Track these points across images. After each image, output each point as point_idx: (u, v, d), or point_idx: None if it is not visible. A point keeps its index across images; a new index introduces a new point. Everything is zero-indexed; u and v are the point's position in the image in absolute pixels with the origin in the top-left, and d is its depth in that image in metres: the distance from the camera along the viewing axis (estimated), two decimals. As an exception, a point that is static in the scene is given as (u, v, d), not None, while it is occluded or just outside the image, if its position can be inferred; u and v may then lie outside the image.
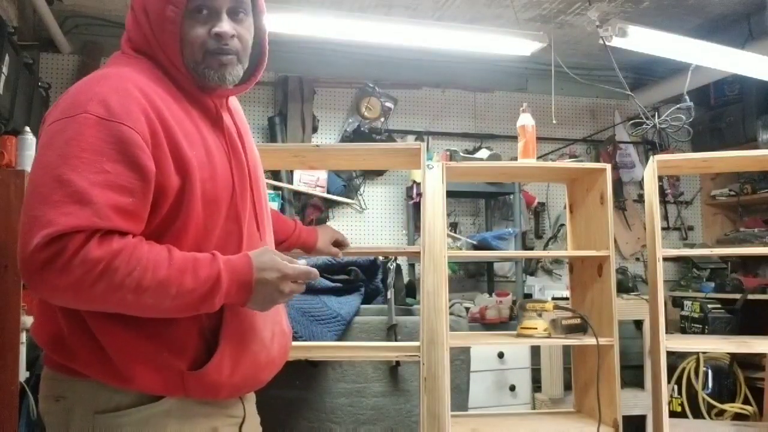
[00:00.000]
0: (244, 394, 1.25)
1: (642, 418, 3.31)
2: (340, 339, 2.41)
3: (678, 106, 3.02)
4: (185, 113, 1.15)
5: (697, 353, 3.48)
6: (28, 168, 2.61)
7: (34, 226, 0.96)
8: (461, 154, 3.53)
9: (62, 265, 0.95)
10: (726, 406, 3.43)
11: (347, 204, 4.20)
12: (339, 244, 1.91)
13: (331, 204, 4.16)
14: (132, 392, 1.10)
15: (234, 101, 1.33)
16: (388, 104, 4.25)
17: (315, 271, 1.14)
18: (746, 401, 3.45)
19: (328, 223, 4.17)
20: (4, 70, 2.72)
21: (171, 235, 1.09)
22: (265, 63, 1.31)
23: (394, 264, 2.83)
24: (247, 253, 1.12)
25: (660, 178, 4.46)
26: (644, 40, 2.99)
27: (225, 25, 1.16)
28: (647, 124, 3.04)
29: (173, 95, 1.15)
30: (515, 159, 2.43)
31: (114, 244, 0.99)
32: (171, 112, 1.11)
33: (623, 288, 4.09)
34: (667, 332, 2.28)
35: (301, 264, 1.15)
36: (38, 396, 1.18)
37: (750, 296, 3.73)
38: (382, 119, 4.22)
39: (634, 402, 3.30)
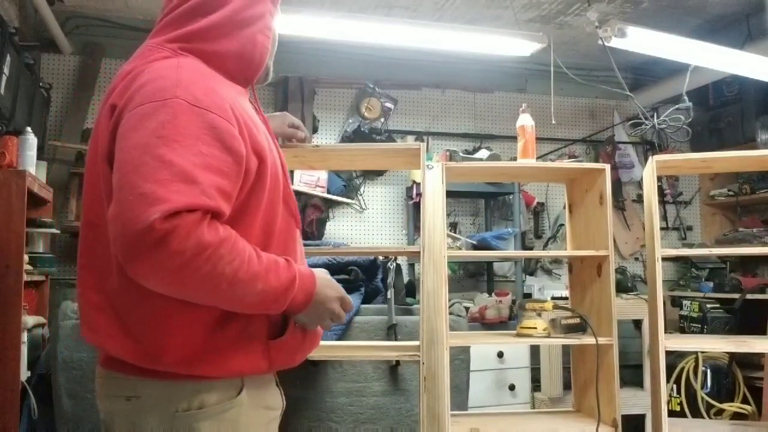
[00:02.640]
0: (305, 358, 1.30)
1: (641, 418, 3.32)
2: (340, 338, 2.42)
3: (677, 106, 3.04)
4: (244, 101, 1.22)
5: (696, 353, 3.49)
6: (30, 168, 2.62)
7: (144, 203, 0.95)
8: (461, 154, 3.53)
9: (177, 245, 0.95)
10: (725, 406, 3.44)
11: (347, 204, 4.21)
12: (295, 127, 1.91)
13: (331, 204, 4.17)
14: (213, 386, 1.11)
15: None
16: (388, 104, 4.26)
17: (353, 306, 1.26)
18: (745, 400, 3.46)
19: (328, 223, 4.19)
20: (6, 70, 2.72)
21: (249, 212, 1.13)
22: None
23: (394, 264, 2.83)
24: (312, 270, 1.19)
25: (659, 178, 4.47)
26: (643, 41, 2.99)
27: None
28: (646, 125, 3.05)
29: (231, 85, 1.21)
30: (515, 159, 2.44)
31: (221, 231, 1.01)
32: (236, 101, 1.16)
33: (622, 288, 4.10)
34: (666, 332, 2.29)
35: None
36: (98, 395, 1.19)
37: (749, 296, 3.74)
38: (382, 119, 4.23)
39: (633, 401, 3.31)
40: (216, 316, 1.11)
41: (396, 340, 2.44)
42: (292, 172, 4.03)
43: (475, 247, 3.72)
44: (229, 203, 1.05)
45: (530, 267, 4.48)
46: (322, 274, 1.20)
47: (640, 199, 4.69)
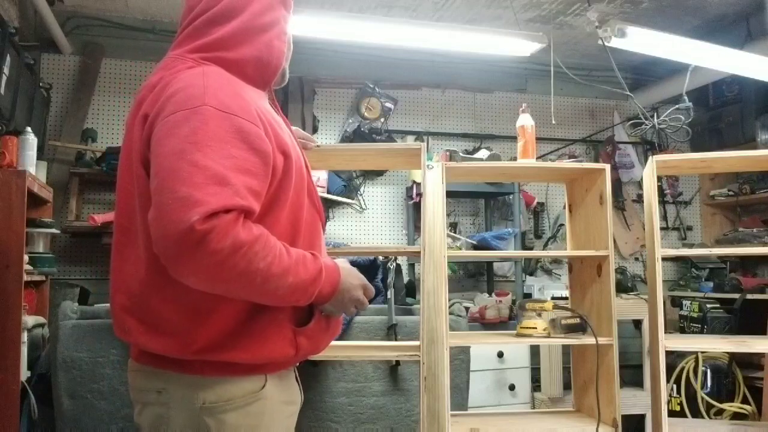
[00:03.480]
0: (327, 346, 1.34)
1: (641, 418, 3.33)
2: (340, 338, 2.42)
3: (677, 106, 3.04)
4: (265, 104, 1.28)
5: (696, 353, 3.49)
6: (30, 168, 2.62)
7: (184, 206, 1.01)
8: (461, 154, 3.53)
9: (216, 244, 1.01)
10: (725, 406, 3.44)
11: (347, 204, 4.21)
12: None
13: (331, 204, 4.17)
14: (239, 380, 1.17)
15: None
16: (388, 104, 4.26)
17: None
18: (745, 401, 3.46)
19: (328, 223, 4.18)
20: (6, 70, 2.72)
21: (277, 207, 1.19)
22: None
23: (394, 264, 2.84)
24: (335, 261, 1.25)
25: (659, 178, 4.48)
26: (643, 41, 2.99)
27: None
28: (646, 125, 3.05)
29: (252, 89, 1.27)
30: (515, 159, 2.44)
31: (255, 230, 1.07)
32: (258, 103, 1.22)
33: (622, 288, 4.10)
34: (666, 332, 2.29)
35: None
36: (131, 388, 1.25)
37: (749, 296, 3.74)
38: (382, 119, 4.23)
39: (633, 401, 3.31)
40: (245, 307, 1.16)
41: (396, 340, 2.44)
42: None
43: (475, 247, 3.72)
44: (259, 201, 1.11)
45: (530, 267, 4.48)
46: (344, 264, 1.26)
47: (640, 199, 4.69)
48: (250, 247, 1.04)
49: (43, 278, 3.02)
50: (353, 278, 1.26)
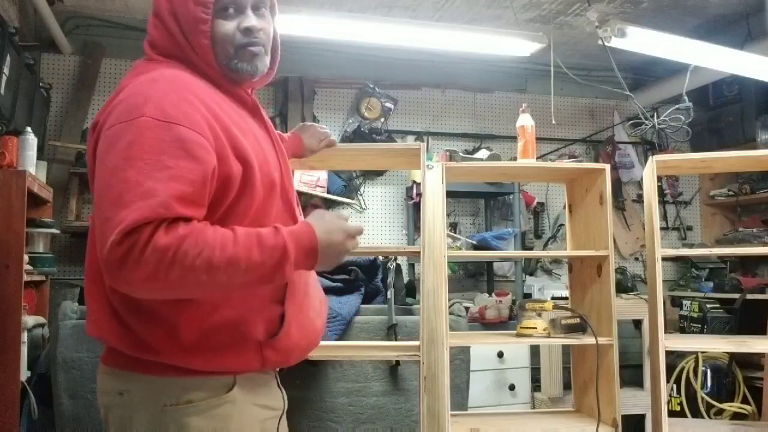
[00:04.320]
0: (303, 358, 1.31)
1: (641, 418, 3.32)
2: (340, 338, 2.42)
3: (677, 106, 3.03)
4: (229, 106, 1.22)
5: (696, 353, 3.48)
6: (30, 168, 2.62)
7: (108, 228, 1.02)
8: (461, 154, 3.53)
9: (136, 259, 1.00)
10: (725, 406, 3.43)
11: (347, 204, 4.21)
12: (325, 137, 1.95)
13: (331, 204, 4.16)
14: (203, 384, 1.14)
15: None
16: (388, 104, 4.25)
17: (362, 227, 1.25)
18: (745, 401, 3.46)
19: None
20: (6, 70, 2.72)
21: (235, 220, 1.14)
22: (278, 59, 1.37)
23: (394, 264, 2.84)
24: (307, 221, 1.17)
25: (659, 179, 4.47)
26: (643, 41, 2.99)
27: (252, 20, 1.24)
28: (646, 125, 3.04)
29: (214, 91, 1.22)
30: (515, 159, 2.44)
31: (180, 230, 1.03)
32: (219, 105, 1.18)
33: (622, 288, 4.10)
34: (666, 332, 2.29)
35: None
36: (98, 391, 1.23)
37: (749, 296, 3.74)
38: (382, 119, 4.23)
39: (633, 401, 3.30)
40: (208, 318, 1.14)
41: (396, 340, 2.44)
42: (291, 171, 4.03)
43: (475, 247, 3.72)
44: (194, 207, 1.06)
45: (530, 267, 4.48)
46: (322, 222, 1.16)
47: (640, 199, 4.69)
48: (177, 249, 1.01)
49: (43, 278, 3.02)
50: (335, 233, 1.16)
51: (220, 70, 1.23)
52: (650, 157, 2.39)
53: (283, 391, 1.33)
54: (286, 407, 1.34)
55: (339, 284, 2.62)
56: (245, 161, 1.15)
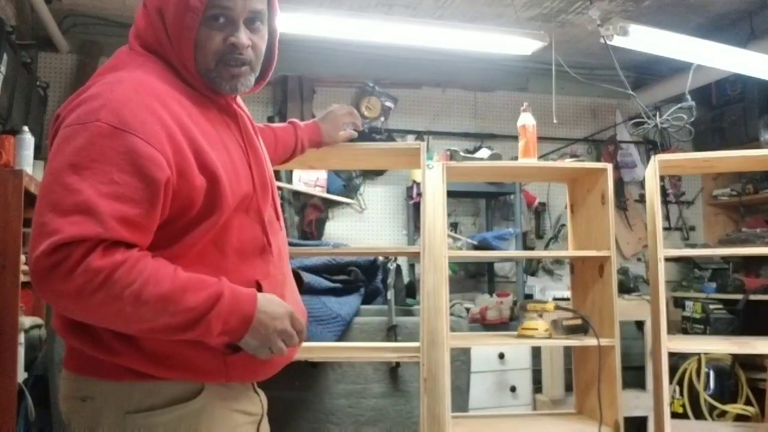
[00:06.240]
0: (274, 373, 1.26)
1: (643, 420, 3.30)
2: (339, 340, 2.40)
3: (679, 105, 3.02)
4: (201, 113, 1.16)
5: (699, 354, 3.47)
6: (27, 168, 2.60)
7: (42, 233, 0.98)
8: (461, 153, 3.50)
9: (65, 273, 0.97)
10: (728, 407, 3.42)
11: (347, 204, 4.19)
12: (351, 117, 1.87)
13: (331, 204, 4.15)
14: (167, 389, 1.11)
15: (238, 98, 1.34)
16: (388, 104, 4.24)
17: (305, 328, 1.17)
18: (748, 402, 3.45)
19: (327, 223, 4.17)
20: (2, 69, 2.70)
21: (198, 233, 1.10)
22: (274, 65, 1.32)
23: (394, 264, 2.82)
24: (254, 289, 1.12)
25: (661, 178, 4.42)
26: (645, 39, 2.98)
27: (242, 36, 1.16)
28: (648, 124, 3.03)
29: (187, 95, 1.15)
30: (516, 159, 2.42)
31: (117, 256, 0.99)
32: (188, 114, 1.12)
33: (624, 288, 4.08)
34: (668, 333, 2.26)
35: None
36: (59, 396, 1.19)
37: (752, 297, 3.72)
38: (382, 119, 4.21)
39: (636, 403, 3.29)
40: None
41: (396, 341, 2.42)
42: (291, 171, 4.02)
43: (476, 248, 3.70)
44: (137, 232, 1.02)
45: (531, 267, 4.46)
46: (268, 295, 1.13)
47: (642, 198, 4.67)
48: (108, 275, 0.97)
49: (41, 279, 3.00)
50: (275, 306, 1.11)
51: (199, 79, 1.17)
52: (653, 157, 2.37)
53: (261, 395, 1.29)
54: (266, 410, 1.29)
55: (338, 285, 2.60)
56: (211, 174, 1.09)
